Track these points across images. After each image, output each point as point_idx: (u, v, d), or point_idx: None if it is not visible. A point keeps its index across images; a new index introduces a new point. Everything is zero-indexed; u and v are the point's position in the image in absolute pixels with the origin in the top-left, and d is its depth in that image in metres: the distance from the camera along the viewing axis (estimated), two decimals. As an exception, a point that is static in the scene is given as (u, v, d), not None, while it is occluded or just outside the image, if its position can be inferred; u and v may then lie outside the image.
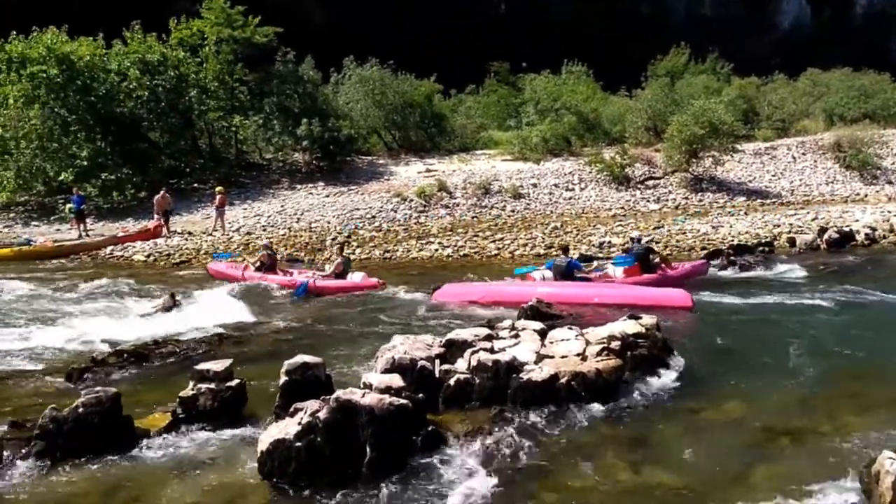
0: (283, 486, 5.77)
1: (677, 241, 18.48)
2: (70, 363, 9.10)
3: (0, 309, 13.11)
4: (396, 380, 6.66)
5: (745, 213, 22.81)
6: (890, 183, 28.12)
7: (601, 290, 12.51)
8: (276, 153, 29.63)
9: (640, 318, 8.75)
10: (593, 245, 18.25)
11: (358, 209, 23.93)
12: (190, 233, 22.01)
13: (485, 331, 8.31)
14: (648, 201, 25.71)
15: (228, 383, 7.12)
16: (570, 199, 25.78)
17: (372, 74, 31.88)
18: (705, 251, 17.00)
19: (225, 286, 14.30)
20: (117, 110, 26.75)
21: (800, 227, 19.56)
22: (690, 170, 27.32)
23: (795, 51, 50.15)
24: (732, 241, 18.03)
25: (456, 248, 18.57)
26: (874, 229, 18.62)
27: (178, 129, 28.30)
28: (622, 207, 25.01)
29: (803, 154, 30.34)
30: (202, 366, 7.33)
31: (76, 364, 8.91)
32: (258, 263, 15.39)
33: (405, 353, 7.41)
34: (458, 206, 24.60)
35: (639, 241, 14.29)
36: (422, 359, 7.41)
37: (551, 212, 24.46)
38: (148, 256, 19.37)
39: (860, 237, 18.02)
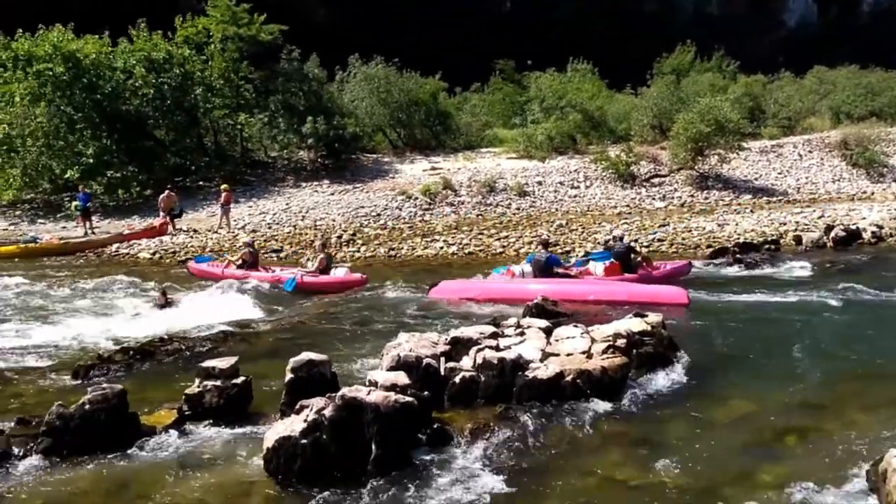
0: (288, 484, 5.77)
1: (683, 238, 18.44)
2: (76, 360, 9.12)
3: (6, 306, 13.16)
4: (402, 377, 6.66)
5: (751, 211, 22.75)
6: (897, 181, 28.05)
7: (597, 286, 12.50)
8: (282, 151, 29.67)
9: (646, 315, 8.74)
10: (598, 243, 18.20)
11: (363, 207, 23.94)
12: (195, 230, 22.05)
13: (490, 328, 8.30)
14: (654, 199, 25.66)
15: (234, 380, 7.13)
16: (576, 196, 25.75)
17: (377, 72, 31.88)
18: (711, 249, 16.98)
19: (221, 285, 14.26)
20: (123, 108, 26.81)
21: (806, 225, 19.50)
22: (696, 168, 27.26)
23: (802, 49, 49.95)
24: (738, 238, 18.00)
25: (461, 246, 18.57)
26: (881, 227, 18.57)
27: (183, 126, 28.35)
28: (628, 205, 24.97)
29: (810, 152, 30.25)
30: (208, 363, 7.34)
31: (83, 361, 8.93)
32: (240, 261, 15.48)
33: (410, 351, 7.41)
34: (463, 204, 24.59)
35: (621, 239, 14.28)
36: (427, 356, 7.40)
37: (556, 210, 24.44)
38: (153, 254, 19.41)
39: (867, 235, 17.96)
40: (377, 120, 32.01)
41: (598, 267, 13.44)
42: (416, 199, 24.49)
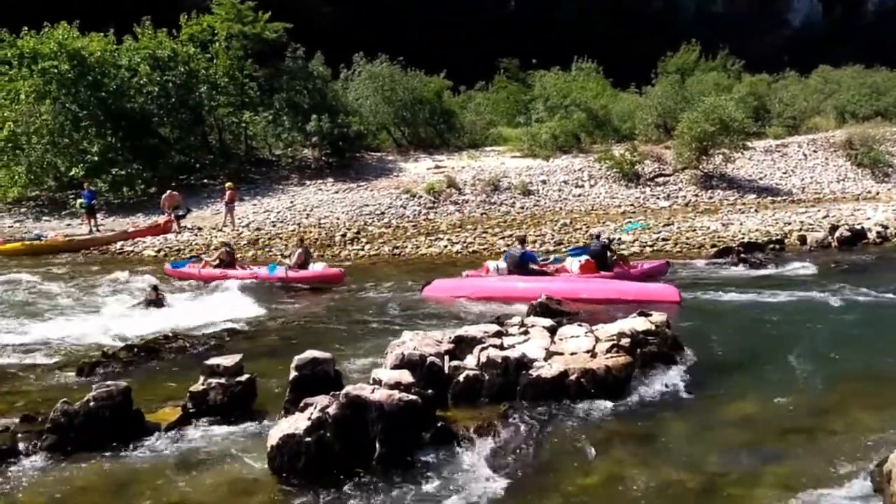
0: (292, 481, 5.77)
1: (687, 238, 18.42)
2: (81, 357, 9.15)
3: (11, 303, 13.21)
4: (406, 376, 6.66)
5: (756, 211, 22.71)
6: (902, 181, 27.97)
7: (589, 284, 12.49)
8: (286, 149, 29.64)
9: (651, 315, 8.73)
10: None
11: (367, 205, 23.95)
12: (199, 228, 22.07)
13: (494, 327, 8.32)
14: (658, 198, 25.62)
15: (238, 378, 7.15)
16: (580, 195, 25.72)
17: (381, 71, 31.84)
18: (715, 248, 16.96)
19: (220, 284, 14.30)
20: (128, 106, 26.83)
21: (811, 224, 19.46)
22: (701, 167, 27.20)
23: (807, 48, 49.81)
24: (743, 238, 17.96)
25: (465, 245, 18.57)
26: (886, 227, 18.51)
27: (188, 124, 28.35)
28: (632, 204, 24.94)
29: (814, 151, 30.15)
30: (212, 361, 7.37)
31: (87, 358, 8.96)
32: (217, 261, 15.55)
33: (414, 350, 7.42)
34: (467, 202, 24.58)
35: (598, 237, 14.32)
36: (431, 355, 7.41)
37: (561, 208, 24.42)
38: (158, 252, 19.45)
39: (872, 235, 17.91)
40: (381, 118, 31.97)
41: (573, 264, 13.44)
42: (421, 197, 24.49)
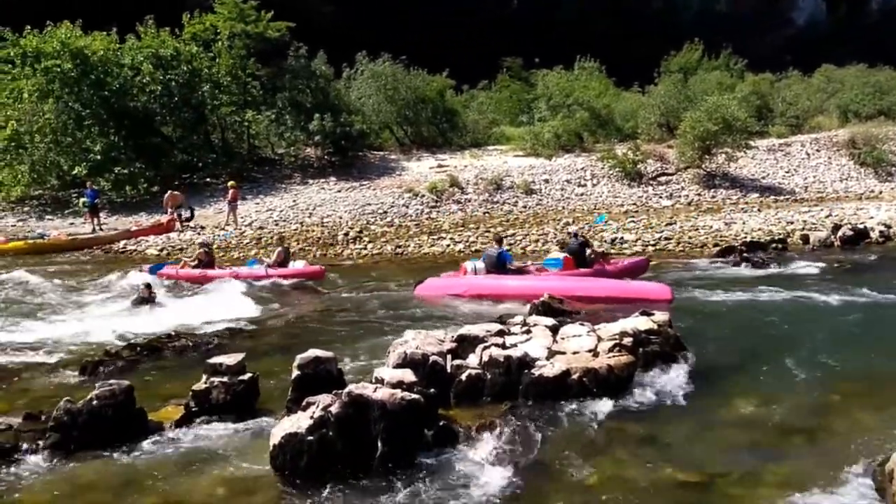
0: (294, 480, 5.77)
1: (690, 237, 18.41)
2: (84, 356, 9.16)
3: (14, 302, 13.24)
4: (408, 375, 6.66)
5: (759, 210, 22.69)
6: (905, 180, 27.92)
7: (582, 283, 12.45)
8: (289, 148, 29.67)
9: (653, 314, 8.73)
10: (605, 241, 18.23)
11: (370, 204, 23.96)
12: (202, 227, 22.09)
13: (497, 326, 8.32)
14: (661, 197, 25.61)
15: (241, 377, 7.15)
16: (582, 195, 25.71)
17: (384, 70, 31.86)
18: (717, 248, 16.95)
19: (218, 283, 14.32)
20: (130, 105, 26.88)
21: (813, 224, 19.46)
22: (703, 166, 27.19)
23: (810, 47, 49.71)
24: (745, 237, 17.95)
25: (467, 244, 18.58)
26: (889, 227, 18.50)
27: (190, 123, 28.41)
28: (634, 203, 24.93)
29: (817, 151, 30.13)
30: (215, 359, 7.37)
31: (90, 357, 8.97)
32: (196, 262, 15.53)
33: (417, 349, 7.41)
34: (469, 201, 24.58)
35: (575, 235, 14.31)
36: (433, 354, 7.40)
37: (563, 208, 24.42)
38: (161, 251, 19.49)
39: (875, 235, 17.90)
40: (384, 117, 32.00)
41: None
42: (423, 196, 24.50)
